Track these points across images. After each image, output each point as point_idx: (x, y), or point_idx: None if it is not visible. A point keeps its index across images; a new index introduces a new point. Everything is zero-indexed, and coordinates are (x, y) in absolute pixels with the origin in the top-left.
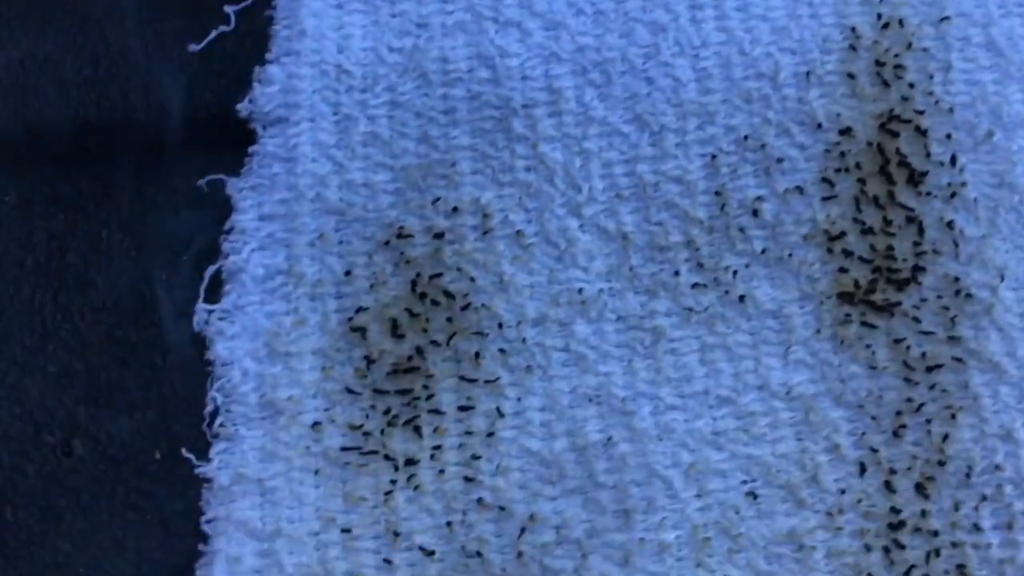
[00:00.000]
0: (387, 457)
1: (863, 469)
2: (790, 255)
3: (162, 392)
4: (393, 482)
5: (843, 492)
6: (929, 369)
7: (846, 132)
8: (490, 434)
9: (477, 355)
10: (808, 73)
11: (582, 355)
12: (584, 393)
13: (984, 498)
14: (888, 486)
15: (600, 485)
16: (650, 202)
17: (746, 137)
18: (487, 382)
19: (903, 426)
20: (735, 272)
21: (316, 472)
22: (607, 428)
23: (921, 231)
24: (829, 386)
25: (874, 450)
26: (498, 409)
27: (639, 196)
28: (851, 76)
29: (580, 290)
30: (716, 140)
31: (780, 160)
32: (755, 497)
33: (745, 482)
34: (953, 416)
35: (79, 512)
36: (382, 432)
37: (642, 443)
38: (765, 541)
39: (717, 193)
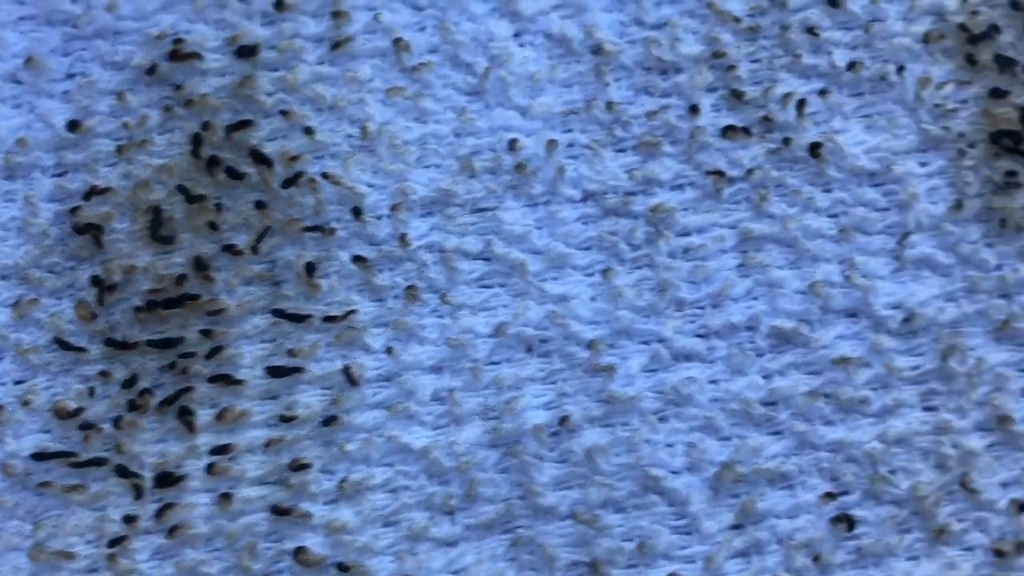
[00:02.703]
0: (123, 472)
1: None
2: (900, 71)
3: None
4: (131, 520)
5: None
6: None
7: None
8: (329, 420)
9: (310, 269)
10: None
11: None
12: (516, 333)
13: None
14: None
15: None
16: None
17: None
18: (330, 320)
19: None
20: (800, 102)
21: None
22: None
23: None
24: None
25: None
26: (347, 372)
27: None
28: None
29: (513, 143)
30: None
31: None
32: None
33: None
34: None
35: None
36: (117, 423)
37: None
38: None
39: None
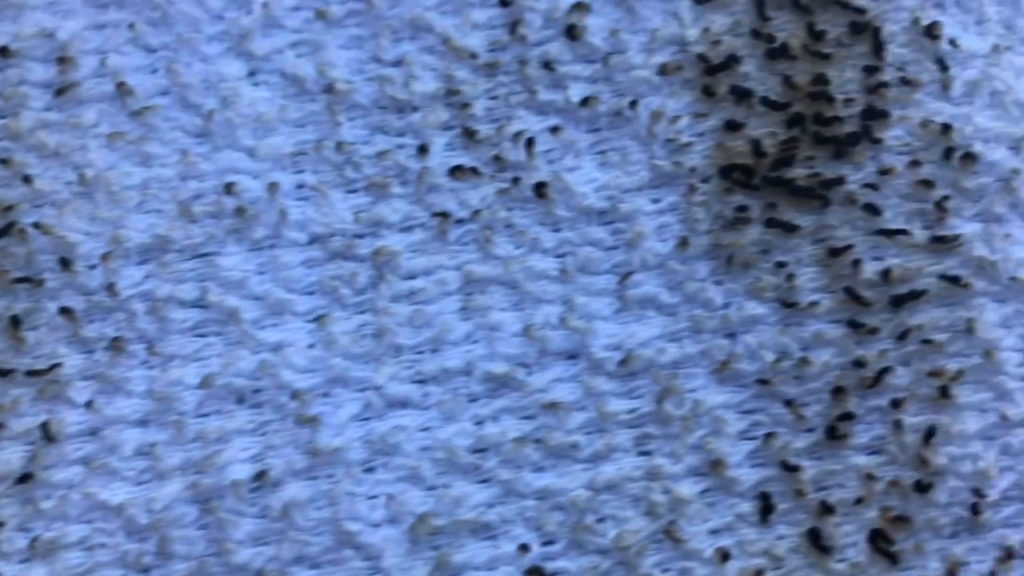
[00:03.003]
0: None
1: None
2: (633, 105)
3: None
4: None
5: None
6: (897, 302)
7: None
8: (25, 477)
9: (16, 323)
10: None
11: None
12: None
13: None
14: None
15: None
16: (380, 25)
17: None
18: (33, 374)
19: (846, 416)
20: (529, 141)
21: None
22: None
23: (879, 45)
24: (706, 347)
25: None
26: (46, 428)
27: (360, 14)
28: None
29: (230, 187)
30: None
31: None
32: None
33: None
34: (945, 394)
35: None
36: None
37: None
38: None
39: (502, 2)
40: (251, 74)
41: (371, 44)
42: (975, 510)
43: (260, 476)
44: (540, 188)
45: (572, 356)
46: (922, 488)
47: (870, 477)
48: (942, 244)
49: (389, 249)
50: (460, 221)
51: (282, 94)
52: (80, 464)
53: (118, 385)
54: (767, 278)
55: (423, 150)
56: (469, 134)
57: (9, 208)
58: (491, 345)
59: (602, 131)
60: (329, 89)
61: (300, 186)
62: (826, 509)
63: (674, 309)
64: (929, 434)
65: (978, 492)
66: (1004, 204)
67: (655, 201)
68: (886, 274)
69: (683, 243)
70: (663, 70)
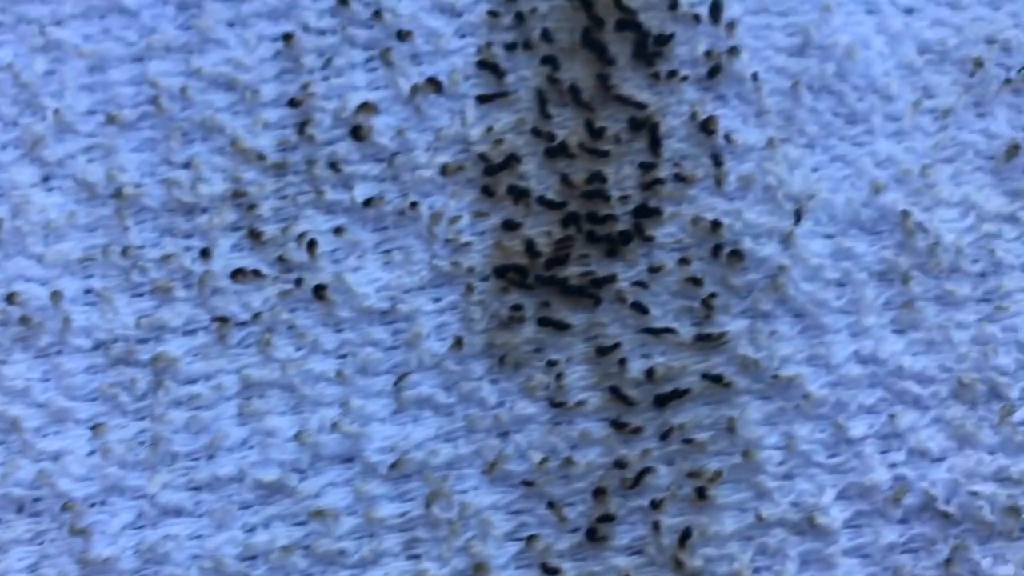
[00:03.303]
0: None
1: None
2: (414, 206)
3: None
4: None
5: None
6: (661, 401)
7: None
8: None
9: None
10: None
11: None
12: None
13: None
14: None
15: None
16: (171, 127)
17: (343, 1)
18: None
19: (607, 517)
20: (311, 242)
21: None
22: None
23: (657, 141)
24: (478, 446)
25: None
26: None
27: (151, 116)
28: None
29: (12, 297)
30: (296, 10)
31: (403, 35)
32: None
33: None
34: (703, 495)
35: None
36: None
37: None
38: None
39: (292, 102)
40: (44, 180)
41: (162, 146)
42: None
43: None
44: (319, 290)
45: (347, 459)
46: None
47: None
48: (708, 342)
49: (169, 355)
50: (242, 324)
51: (74, 199)
52: None
53: None
54: (538, 377)
55: (205, 253)
56: (255, 235)
57: None
58: (265, 451)
59: (388, 230)
60: (118, 194)
61: (88, 291)
62: None
63: (450, 409)
64: (685, 535)
65: None
66: (770, 301)
67: (436, 300)
68: (650, 373)
69: (458, 343)
70: (445, 170)
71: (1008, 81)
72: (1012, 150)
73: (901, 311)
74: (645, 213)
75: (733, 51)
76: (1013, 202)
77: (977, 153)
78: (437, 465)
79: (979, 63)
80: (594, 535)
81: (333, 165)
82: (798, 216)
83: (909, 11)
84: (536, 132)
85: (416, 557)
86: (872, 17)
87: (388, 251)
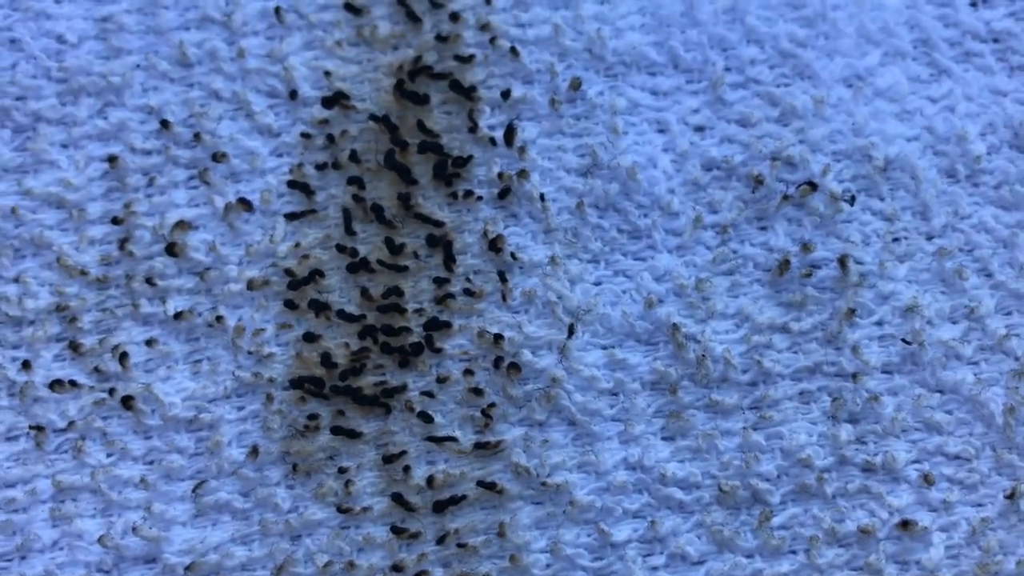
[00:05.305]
0: None
1: None
2: (219, 319)
3: None
4: None
5: None
6: (439, 507)
7: (337, 101)
8: None
9: None
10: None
11: None
12: None
13: None
14: None
15: None
16: (2, 244)
17: (165, 124)
18: None
19: None
20: (123, 354)
21: None
22: None
23: (451, 257)
24: (270, 549)
25: None
26: None
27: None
28: (354, 9)
29: None
30: (123, 132)
31: (219, 157)
32: None
33: None
34: None
35: None
36: None
37: None
38: None
39: (115, 220)
40: None
41: None
42: None
43: None
44: (127, 400)
45: (149, 560)
46: None
47: None
48: (485, 450)
49: None
50: (59, 431)
51: None
52: None
53: None
54: (329, 483)
55: (27, 365)
56: (74, 347)
57: None
58: (72, 553)
59: (199, 341)
60: None
61: None
62: None
63: (247, 514)
64: None
65: None
66: (545, 411)
67: (239, 409)
68: (431, 480)
69: (254, 451)
70: (251, 284)
71: (786, 197)
72: (784, 264)
73: (670, 420)
74: (436, 326)
75: (522, 173)
76: (787, 313)
77: (756, 266)
78: (231, 567)
79: (760, 180)
80: None
81: (149, 280)
82: (571, 330)
83: (699, 129)
84: (340, 248)
85: None
86: (661, 136)
87: (197, 361)
